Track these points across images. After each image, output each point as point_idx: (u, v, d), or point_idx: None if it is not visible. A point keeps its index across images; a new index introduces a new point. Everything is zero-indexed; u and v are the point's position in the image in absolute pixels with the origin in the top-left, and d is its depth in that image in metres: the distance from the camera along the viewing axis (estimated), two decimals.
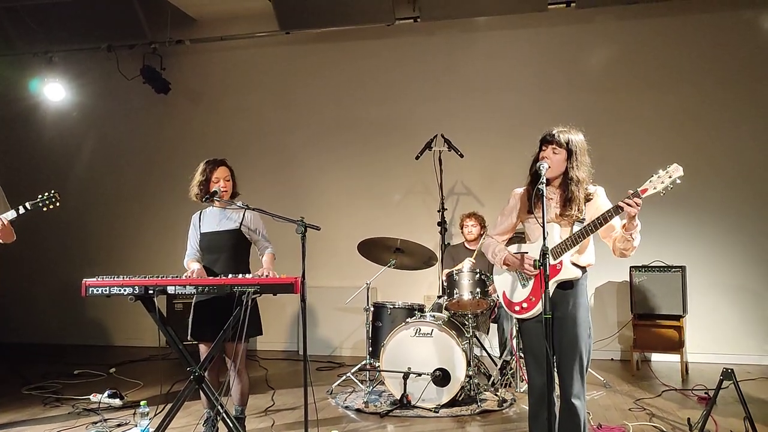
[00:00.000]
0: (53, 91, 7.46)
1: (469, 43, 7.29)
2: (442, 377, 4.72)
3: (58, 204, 4.08)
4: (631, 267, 6.18)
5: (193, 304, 4.04)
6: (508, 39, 7.20)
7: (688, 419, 4.25)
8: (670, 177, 2.80)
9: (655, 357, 6.64)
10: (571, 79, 7.00)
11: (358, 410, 4.83)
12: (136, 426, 4.24)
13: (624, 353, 6.77)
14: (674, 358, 6.19)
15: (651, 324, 6.12)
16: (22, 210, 4.00)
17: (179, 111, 7.97)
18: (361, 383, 5.46)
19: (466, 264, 5.18)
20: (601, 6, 6.67)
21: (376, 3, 6.75)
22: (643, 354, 6.38)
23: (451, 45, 7.33)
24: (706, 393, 5.06)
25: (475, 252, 5.53)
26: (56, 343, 8.04)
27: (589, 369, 3.11)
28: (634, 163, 6.35)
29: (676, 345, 6.04)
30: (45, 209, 4.05)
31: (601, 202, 3.06)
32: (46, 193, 4.06)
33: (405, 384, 4.74)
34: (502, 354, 5.66)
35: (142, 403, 4.10)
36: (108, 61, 7.70)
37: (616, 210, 2.86)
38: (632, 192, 2.82)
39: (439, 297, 5.36)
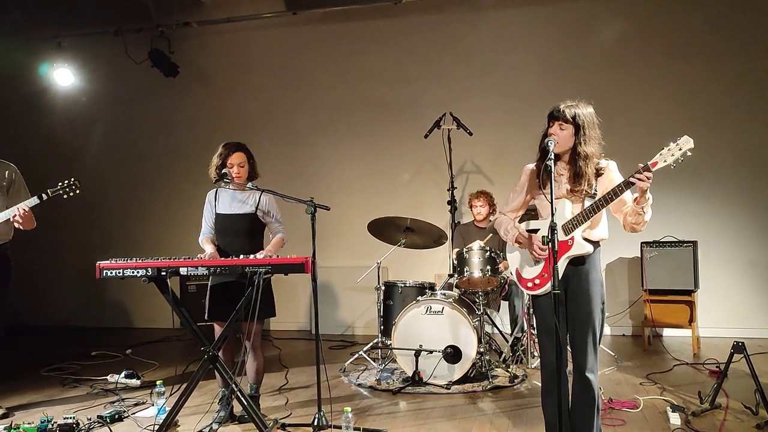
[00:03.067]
0: (62, 76, 7.50)
1: (476, 21, 7.23)
2: (453, 354, 4.76)
3: (78, 191, 4.12)
4: (642, 243, 6.18)
5: (209, 286, 4.09)
6: (516, 15, 7.13)
7: (699, 392, 4.28)
8: (680, 149, 2.78)
9: (667, 332, 6.65)
10: (581, 55, 6.93)
11: (370, 387, 4.89)
12: (152, 405, 4.32)
13: (635, 329, 6.79)
14: (686, 333, 6.20)
15: (662, 299, 6.13)
16: (43, 197, 4.06)
17: (188, 94, 7.99)
18: (374, 361, 5.52)
19: (476, 243, 5.19)
20: None
21: None
22: (654, 329, 6.39)
23: (458, 22, 7.27)
24: (717, 367, 5.07)
25: (487, 236, 5.51)
26: (74, 326, 8.17)
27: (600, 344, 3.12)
28: (646, 139, 6.24)
29: (687, 320, 6.05)
30: (66, 197, 4.10)
31: (613, 176, 3.04)
32: (66, 181, 4.10)
33: (417, 361, 4.78)
34: (513, 331, 5.69)
35: (158, 382, 4.17)
36: (116, 45, 7.73)
37: (627, 184, 2.85)
38: (642, 166, 2.81)
39: (450, 276, 5.38)
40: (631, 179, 2.81)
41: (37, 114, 8.32)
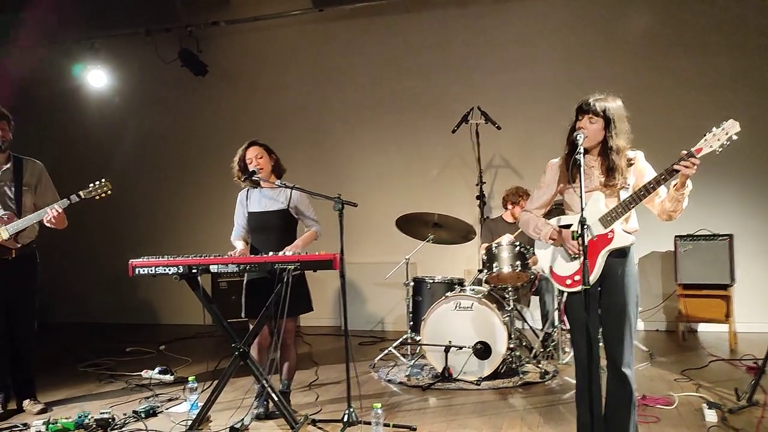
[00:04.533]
0: (96, 78, 7.66)
1: (503, 13, 7.15)
2: (483, 350, 4.73)
3: (110, 192, 4.20)
4: (675, 236, 6.06)
5: (244, 282, 4.13)
6: (543, 6, 7.03)
7: (736, 389, 4.18)
8: (726, 134, 2.71)
9: (702, 327, 6.52)
10: (609, 46, 6.81)
11: (400, 384, 4.89)
12: (185, 401, 4.38)
13: (669, 324, 6.67)
14: (722, 328, 6.07)
15: (697, 294, 6.01)
16: (75, 199, 4.14)
17: (217, 92, 8.07)
18: (403, 357, 5.52)
19: (506, 238, 5.15)
20: None
21: None
22: (689, 324, 6.27)
23: (485, 15, 7.20)
24: (755, 362, 4.95)
25: (518, 230, 5.47)
26: (109, 323, 8.32)
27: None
28: (680, 129, 6.17)
29: (723, 315, 5.92)
30: (98, 198, 4.18)
31: (642, 166, 3.00)
32: (98, 182, 4.18)
33: (446, 357, 4.76)
34: (543, 326, 5.63)
35: (190, 378, 4.23)
36: (147, 45, 7.84)
37: (670, 173, 2.79)
38: (686, 152, 2.75)
39: (479, 271, 5.35)
40: (676, 167, 2.75)
41: (70, 114, 8.48)
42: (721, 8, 6.54)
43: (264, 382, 3.77)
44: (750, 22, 6.46)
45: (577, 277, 3.00)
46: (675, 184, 2.86)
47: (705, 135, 2.76)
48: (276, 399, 3.74)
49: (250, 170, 4.04)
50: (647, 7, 6.73)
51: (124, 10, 7.58)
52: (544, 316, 5.66)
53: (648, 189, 2.84)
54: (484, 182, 6.45)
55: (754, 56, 6.45)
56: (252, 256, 3.89)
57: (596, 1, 6.87)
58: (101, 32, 7.76)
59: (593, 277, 2.91)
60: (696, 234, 6.06)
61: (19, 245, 4.23)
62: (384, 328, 7.33)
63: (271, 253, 3.73)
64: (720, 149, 2.73)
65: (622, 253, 2.98)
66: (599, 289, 2.97)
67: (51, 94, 8.40)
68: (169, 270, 3.67)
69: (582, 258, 2.75)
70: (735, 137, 2.71)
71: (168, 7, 7.48)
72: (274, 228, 4.08)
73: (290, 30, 7.82)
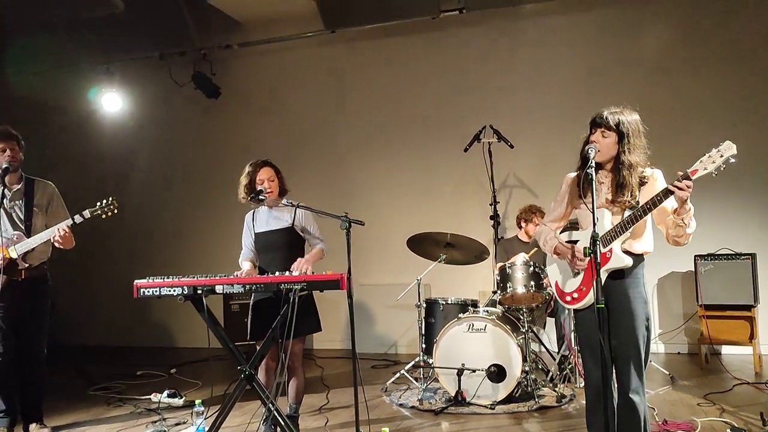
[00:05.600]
0: (111, 102, 7.71)
1: (515, 32, 7.12)
2: (497, 373, 4.60)
3: (116, 211, 4.17)
4: (695, 256, 5.91)
5: (251, 304, 4.07)
6: (555, 25, 6.99)
7: (762, 414, 4.01)
8: (722, 156, 2.61)
9: (726, 350, 6.32)
10: (623, 63, 6.74)
11: (412, 408, 4.77)
12: (192, 425, 4.30)
13: (691, 346, 6.48)
14: (746, 350, 5.88)
15: (720, 315, 5.84)
16: (79, 219, 4.11)
17: (229, 114, 8.10)
18: (416, 380, 5.39)
19: (520, 257, 5.04)
20: None
21: None
22: (712, 347, 6.08)
23: (497, 34, 7.18)
24: None
25: (533, 249, 5.36)
26: (121, 345, 8.29)
27: (651, 362, 2.95)
28: (695, 147, 5.99)
29: (747, 337, 5.74)
30: (104, 216, 4.15)
31: (658, 185, 2.87)
32: (105, 201, 4.16)
33: (459, 380, 4.64)
34: (559, 348, 5.49)
35: (197, 402, 4.15)
36: (161, 69, 7.91)
37: (666, 194, 2.69)
38: (682, 174, 2.65)
39: (494, 292, 5.24)
40: (670, 188, 2.66)
41: (86, 137, 8.55)
42: (738, 26, 6.44)
43: (270, 405, 3.67)
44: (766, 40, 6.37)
45: (576, 294, 2.91)
46: (675, 209, 2.76)
47: (701, 157, 2.67)
48: (283, 423, 3.65)
49: (258, 190, 4.00)
50: (662, 26, 6.66)
51: (139, 35, 7.68)
52: (560, 338, 5.52)
53: (645, 209, 2.74)
54: (498, 202, 6.36)
55: None
56: (258, 276, 3.82)
57: (610, 20, 6.82)
58: (116, 56, 7.85)
59: (590, 298, 2.81)
60: (717, 253, 5.90)
61: (27, 265, 4.20)
62: (397, 351, 7.21)
63: (278, 273, 3.66)
64: (716, 172, 2.64)
65: (622, 274, 2.87)
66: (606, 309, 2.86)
67: (67, 117, 8.49)
68: (174, 291, 3.60)
69: (593, 276, 2.65)
70: (732, 160, 2.62)
71: (182, 31, 7.56)
72: (280, 247, 4.03)
73: (302, 52, 7.85)
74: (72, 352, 7.71)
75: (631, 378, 2.83)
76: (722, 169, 2.62)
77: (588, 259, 2.71)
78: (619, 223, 2.81)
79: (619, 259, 2.84)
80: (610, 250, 2.83)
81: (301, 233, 4.12)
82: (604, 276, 2.84)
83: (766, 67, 6.35)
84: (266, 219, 4.13)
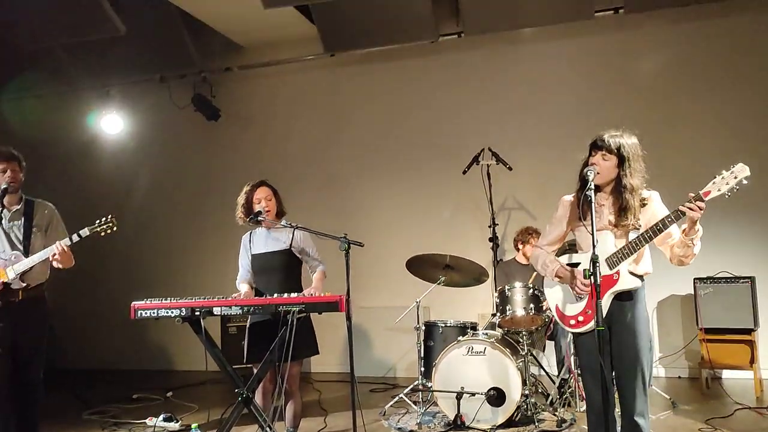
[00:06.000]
0: (111, 124, 7.73)
1: (514, 56, 7.18)
2: (496, 397, 4.56)
3: (115, 228, 4.15)
4: (695, 279, 5.89)
5: (247, 326, 4.04)
6: (554, 49, 7.05)
7: None
8: (735, 177, 2.63)
9: (726, 374, 6.26)
10: (622, 87, 6.79)
11: None
12: None
13: (692, 370, 6.43)
14: (747, 374, 5.84)
15: (720, 339, 5.80)
16: (76, 238, 4.09)
17: (229, 136, 8.12)
18: (414, 404, 5.34)
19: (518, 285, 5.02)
20: (652, 10, 6.44)
21: (419, 21, 6.76)
22: (712, 371, 6.03)
23: (496, 58, 7.24)
24: None
25: (533, 274, 5.35)
26: (118, 368, 8.20)
27: (652, 387, 2.93)
28: (693, 171, 5.99)
29: (748, 361, 5.70)
30: (103, 234, 4.14)
31: (656, 206, 2.90)
32: (104, 218, 4.15)
33: (458, 404, 4.60)
34: (559, 372, 5.45)
35: (193, 426, 4.11)
36: (161, 91, 7.96)
37: (677, 215, 2.70)
38: (694, 195, 2.66)
39: (493, 315, 5.21)
40: (682, 209, 2.66)
41: (85, 159, 8.56)
42: (734, 50, 6.51)
43: (268, 429, 3.64)
44: (765, 65, 6.42)
45: (581, 318, 2.90)
46: (684, 229, 2.77)
47: (714, 178, 2.68)
48: None
49: (256, 210, 4.00)
50: (659, 50, 6.72)
51: (139, 57, 7.72)
52: (560, 362, 5.49)
53: (655, 231, 2.75)
54: (497, 224, 6.36)
55: None
56: (256, 297, 3.81)
57: (607, 43, 6.89)
58: (117, 79, 7.90)
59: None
60: (716, 276, 5.89)
61: (25, 285, 4.17)
62: (395, 374, 7.16)
63: (275, 295, 3.65)
64: (729, 193, 2.65)
65: (629, 296, 2.87)
66: (608, 331, 2.85)
67: (67, 140, 8.49)
68: (172, 312, 3.60)
69: (595, 298, 2.64)
70: (745, 181, 2.63)
71: (183, 54, 7.60)
72: (277, 269, 4.03)
73: (302, 75, 7.90)
74: (67, 375, 7.64)
75: (637, 400, 2.81)
76: (735, 190, 2.63)
77: (590, 283, 2.70)
78: (628, 244, 2.82)
79: (628, 281, 2.84)
80: (618, 272, 2.84)
81: (298, 255, 4.12)
82: (610, 298, 2.84)
83: (764, 91, 6.39)
84: (263, 240, 4.13)
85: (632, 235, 2.86)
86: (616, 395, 2.91)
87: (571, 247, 3.24)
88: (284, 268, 4.07)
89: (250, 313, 3.67)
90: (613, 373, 2.86)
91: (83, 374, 7.99)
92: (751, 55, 6.47)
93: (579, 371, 3.07)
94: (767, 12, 6.39)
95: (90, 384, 7.32)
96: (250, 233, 4.23)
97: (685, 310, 6.45)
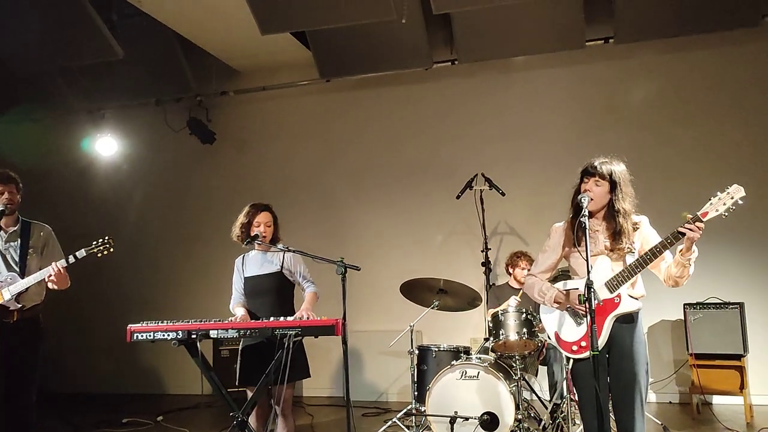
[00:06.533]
0: (105, 146, 7.75)
1: (507, 84, 7.30)
2: (489, 421, 4.56)
3: (112, 250, 4.17)
4: (685, 304, 5.95)
5: (239, 349, 4.05)
6: (546, 77, 7.18)
7: None
8: (731, 198, 2.72)
9: (717, 399, 6.31)
10: (612, 114, 6.92)
11: None
12: None
13: (683, 395, 6.47)
14: (737, 400, 5.87)
15: (710, 364, 5.84)
16: (72, 260, 4.10)
17: (224, 160, 8.17)
18: (408, 429, 5.33)
19: (512, 302, 5.07)
20: (641, 41, 6.59)
21: (413, 48, 6.87)
22: (703, 396, 6.07)
23: (489, 86, 7.36)
24: None
25: (521, 291, 5.41)
26: (109, 392, 8.13)
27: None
28: (682, 200, 6.15)
29: (738, 386, 5.74)
30: (99, 255, 4.15)
31: (647, 231, 2.98)
32: (101, 240, 4.16)
33: (452, 428, 4.59)
34: (552, 397, 5.46)
35: None
36: (156, 114, 8.03)
37: (676, 236, 2.77)
38: (692, 216, 2.74)
39: (485, 339, 5.23)
40: (681, 230, 2.74)
41: (80, 182, 8.56)
42: (725, 80, 6.65)
43: None
44: (752, 92, 6.57)
45: (583, 343, 2.93)
46: (681, 249, 2.83)
47: (710, 199, 2.76)
48: None
49: (254, 234, 4.03)
50: (648, 78, 6.86)
51: (136, 81, 7.78)
52: (553, 387, 5.50)
53: (654, 253, 2.81)
54: (490, 248, 6.42)
55: (758, 124, 6.52)
56: (252, 321, 3.82)
57: (598, 72, 7.02)
58: (113, 102, 7.95)
59: (600, 343, 2.84)
60: (705, 302, 5.95)
61: (20, 306, 4.16)
62: (388, 399, 7.14)
63: (272, 318, 3.66)
64: (726, 214, 2.73)
65: (629, 319, 2.92)
66: (607, 356, 2.89)
67: (62, 162, 8.51)
68: (168, 335, 3.60)
69: (589, 322, 2.69)
70: (741, 202, 2.71)
71: (179, 78, 7.68)
72: (269, 291, 4.04)
73: (297, 100, 7.98)
74: (56, 399, 7.56)
75: (636, 424, 2.85)
76: (732, 210, 2.71)
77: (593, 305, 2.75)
78: (627, 268, 2.87)
79: (629, 304, 2.90)
80: (618, 296, 2.89)
81: (290, 277, 4.13)
82: (612, 321, 2.89)
83: (754, 120, 6.53)
84: (256, 263, 4.15)
85: (629, 259, 2.92)
86: (613, 422, 2.94)
87: (562, 274, 3.30)
88: (277, 291, 4.08)
89: (246, 336, 3.67)
90: (610, 399, 2.90)
91: (72, 398, 7.91)
92: (733, 85, 6.63)
93: (576, 396, 3.09)
94: (747, 44, 6.56)
95: (79, 408, 7.24)
96: (243, 256, 4.25)
97: (675, 335, 6.50)
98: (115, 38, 6.69)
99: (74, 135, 8.14)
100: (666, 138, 6.75)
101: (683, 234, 2.74)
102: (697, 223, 2.72)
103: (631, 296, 2.93)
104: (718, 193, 2.77)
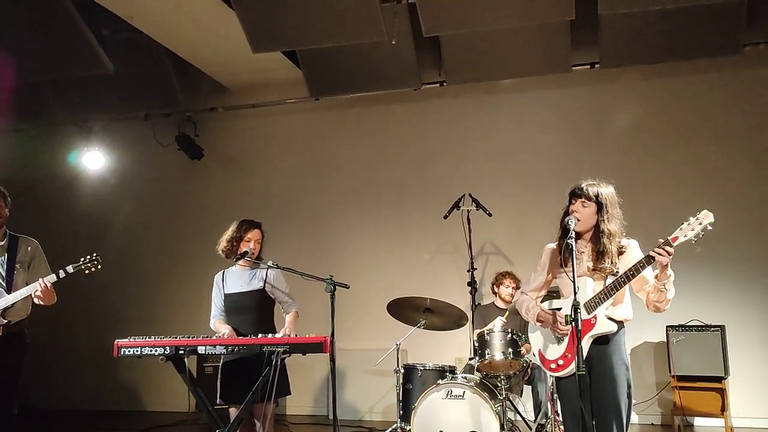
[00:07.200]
0: (92, 160, 7.74)
1: (494, 105, 7.40)
2: None
3: (99, 267, 4.16)
4: (667, 326, 6.02)
5: (220, 365, 4.03)
6: (533, 100, 7.29)
7: None
8: (700, 224, 2.79)
9: (698, 421, 6.36)
10: (597, 138, 7.03)
11: None
12: None
13: (665, 417, 6.51)
14: (718, 422, 5.93)
15: (692, 386, 5.90)
16: (62, 274, 4.09)
17: (211, 176, 8.17)
18: None
19: (497, 323, 5.10)
20: (626, 66, 6.74)
21: (402, 69, 6.96)
22: (685, 418, 6.12)
23: (477, 107, 7.45)
24: None
25: (507, 311, 5.45)
26: (89, 409, 8.00)
27: None
28: (664, 222, 6.23)
29: (719, 408, 5.80)
30: (87, 272, 4.14)
31: (634, 254, 3.03)
32: (88, 256, 4.15)
33: None
34: (536, 417, 5.48)
35: None
36: (145, 129, 8.02)
37: (648, 260, 2.83)
38: (663, 240, 2.80)
39: (470, 359, 5.25)
40: (652, 254, 2.80)
41: (66, 195, 8.51)
42: (706, 105, 6.80)
43: None
44: (732, 117, 6.72)
45: (561, 362, 2.98)
46: (656, 274, 2.89)
47: (681, 224, 2.83)
48: None
49: (244, 250, 4.03)
50: (632, 102, 6.99)
51: (125, 95, 7.78)
52: (537, 407, 5.52)
53: (628, 275, 2.87)
54: (476, 268, 6.45)
55: (738, 148, 6.65)
56: (240, 338, 3.81)
57: (584, 95, 7.15)
58: (101, 115, 7.94)
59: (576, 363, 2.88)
60: (687, 324, 6.02)
61: (6, 321, 4.13)
62: (372, 418, 7.11)
63: (260, 335, 3.66)
64: (695, 239, 2.80)
65: (606, 340, 2.96)
66: (588, 375, 2.92)
67: (48, 175, 8.45)
68: (155, 351, 3.59)
69: (576, 343, 2.73)
70: (710, 227, 2.79)
71: (168, 93, 7.69)
72: (251, 309, 4.03)
73: (287, 117, 8.02)
74: (36, 415, 7.45)
75: None
76: (701, 236, 2.78)
77: (570, 325, 2.80)
78: (603, 289, 2.92)
79: (604, 325, 2.93)
80: (595, 317, 2.93)
81: (272, 294, 4.13)
82: (589, 342, 2.93)
83: (735, 144, 6.67)
84: (238, 280, 4.13)
85: (610, 281, 2.97)
86: None
87: (550, 294, 3.34)
88: (258, 308, 4.07)
89: (233, 353, 3.67)
90: (593, 419, 2.93)
91: (55, 414, 7.79)
92: (714, 110, 6.78)
93: (561, 416, 3.12)
94: (728, 72, 6.73)
95: (61, 424, 7.14)
96: (223, 272, 4.23)
97: (657, 357, 6.56)
98: (105, 52, 6.71)
99: (61, 148, 8.11)
100: (649, 163, 6.86)
101: (654, 258, 2.80)
102: (667, 248, 2.78)
103: (610, 317, 2.97)
104: (690, 218, 2.84)
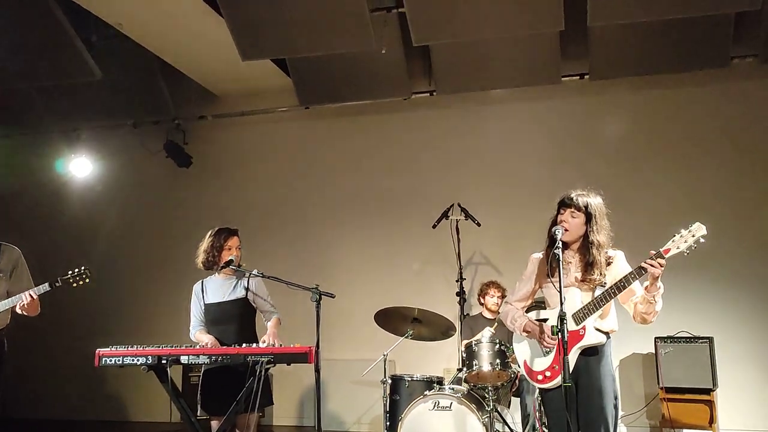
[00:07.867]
0: (80, 167, 7.67)
1: (484, 116, 7.41)
2: None
3: (88, 280, 4.08)
4: (656, 338, 6.01)
5: (201, 374, 3.96)
6: (522, 111, 7.31)
7: None
8: (693, 236, 2.76)
9: None
10: (586, 149, 7.04)
11: None
12: None
13: (654, 429, 6.49)
14: None
15: (680, 398, 5.88)
16: (47, 288, 4.01)
17: (200, 184, 8.11)
18: None
19: (486, 333, 5.07)
20: (615, 77, 6.77)
21: (393, 78, 6.96)
22: (673, 430, 6.10)
23: (466, 117, 7.45)
24: None
25: (495, 322, 5.42)
26: (74, 419, 7.89)
27: None
28: (652, 234, 6.22)
29: (707, 420, 5.78)
30: (75, 285, 4.06)
31: (621, 265, 3.01)
32: (77, 269, 4.07)
33: None
34: (524, 429, 5.44)
35: None
36: (133, 136, 7.97)
37: (639, 272, 2.81)
38: (655, 252, 2.78)
39: (458, 370, 5.21)
40: (644, 266, 2.78)
41: (53, 202, 8.43)
42: (696, 118, 6.83)
43: None
44: (720, 129, 6.75)
45: (548, 373, 2.95)
46: (646, 286, 2.87)
47: (674, 236, 2.81)
48: None
49: (229, 258, 3.98)
50: (621, 113, 7.02)
51: (113, 102, 7.75)
52: (525, 418, 5.48)
53: (618, 287, 2.85)
54: (464, 278, 6.43)
55: (727, 159, 6.68)
56: (224, 347, 3.76)
57: (573, 106, 7.16)
58: (89, 122, 7.89)
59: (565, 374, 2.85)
60: (676, 336, 6.02)
61: None
62: (359, 429, 7.04)
63: (244, 345, 3.61)
64: (688, 251, 2.78)
65: (595, 351, 2.93)
66: (575, 387, 2.90)
67: (35, 183, 8.37)
68: (138, 360, 3.53)
69: (562, 355, 2.70)
70: (702, 240, 2.76)
71: (157, 100, 7.67)
72: (233, 318, 3.97)
73: (276, 126, 8.00)
74: (17, 425, 7.34)
75: None
76: (693, 248, 2.76)
77: (557, 337, 2.77)
78: (592, 300, 2.90)
79: (593, 336, 2.91)
80: (584, 328, 2.90)
81: (253, 303, 4.07)
82: (576, 353, 2.90)
83: (724, 156, 6.69)
84: (218, 289, 4.07)
85: (598, 292, 2.94)
86: None
87: (537, 304, 3.31)
88: (241, 317, 4.01)
89: (217, 363, 3.61)
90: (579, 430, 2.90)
91: (35, 425, 7.68)
92: (702, 122, 6.81)
93: (546, 428, 3.10)
94: (717, 84, 6.76)
95: None
96: (202, 282, 4.17)
97: (646, 369, 6.54)
98: (94, 59, 6.67)
99: (48, 155, 8.03)
100: (638, 172, 6.87)
101: (646, 270, 2.78)
102: (659, 260, 2.76)
103: (599, 329, 2.94)
104: (682, 230, 2.82)
